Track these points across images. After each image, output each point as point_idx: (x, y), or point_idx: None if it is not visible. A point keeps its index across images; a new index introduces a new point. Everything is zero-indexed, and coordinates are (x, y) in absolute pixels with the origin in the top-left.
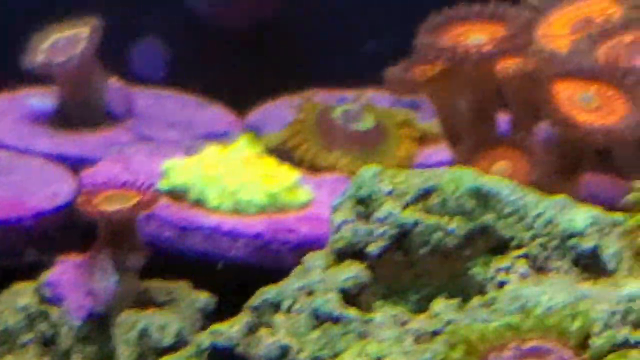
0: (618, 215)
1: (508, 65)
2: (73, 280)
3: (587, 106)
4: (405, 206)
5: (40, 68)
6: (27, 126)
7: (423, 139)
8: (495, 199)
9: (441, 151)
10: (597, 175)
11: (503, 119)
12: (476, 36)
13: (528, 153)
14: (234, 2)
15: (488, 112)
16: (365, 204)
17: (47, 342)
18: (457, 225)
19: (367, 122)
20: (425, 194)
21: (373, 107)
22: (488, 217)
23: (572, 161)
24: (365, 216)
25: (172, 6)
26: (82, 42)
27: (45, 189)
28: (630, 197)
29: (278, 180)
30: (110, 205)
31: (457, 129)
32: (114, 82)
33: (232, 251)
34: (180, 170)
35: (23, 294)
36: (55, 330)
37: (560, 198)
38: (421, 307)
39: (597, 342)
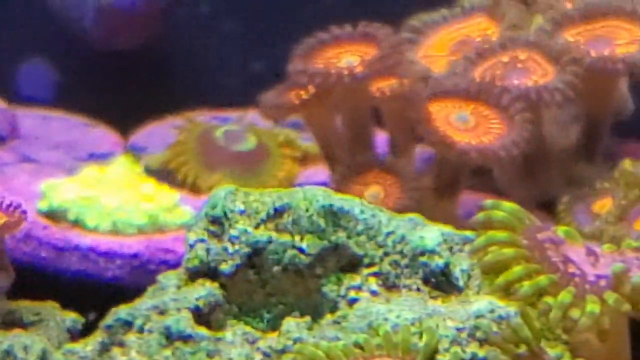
0: (469, 233)
1: (384, 87)
2: None
3: (463, 126)
4: (258, 225)
5: None
6: None
7: (305, 159)
8: (347, 217)
9: (323, 171)
10: (475, 194)
11: (383, 141)
12: (348, 58)
13: (401, 177)
14: (121, 25)
15: (363, 134)
16: (218, 223)
17: None
18: (309, 244)
19: (249, 143)
20: (278, 213)
21: (255, 128)
22: (340, 236)
23: (450, 181)
24: (219, 235)
25: (59, 28)
26: None
27: None
28: (479, 215)
29: (157, 200)
30: None
31: (334, 151)
32: None
33: (109, 271)
34: (59, 190)
35: None
36: None
37: (412, 216)
38: (274, 325)
39: (444, 358)
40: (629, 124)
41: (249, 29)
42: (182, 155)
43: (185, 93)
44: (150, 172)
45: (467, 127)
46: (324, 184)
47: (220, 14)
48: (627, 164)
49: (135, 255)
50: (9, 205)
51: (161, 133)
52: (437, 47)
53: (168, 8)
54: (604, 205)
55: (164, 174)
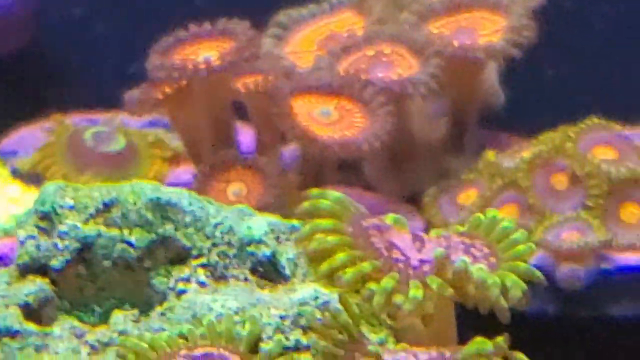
0: (296, 222)
1: (248, 83)
2: None
3: (326, 120)
4: (87, 220)
5: None
6: None
7: (175, 159)
8: (175, 209)
9: (192, 170)
10: (343, 189)
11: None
12: (206, 53)
13: (264, 174)
14: None
15: (225, 131)
16: (48, 219)
17: None
18: (137, 237)
19: (118, 143)
20: (106, 207)
21: (125, 129)
22: (168, 228)
23: (314, 176)
24: (48, 231)
25: None
26: None
27: None
28: (305, 205)
29: (24, 203)
30: None
31: (197, 148)
32: None
33: None
34: None
35: None
36: None
37: (240, 207)
38: (105, 319)
39: (267, 346)
40: (501, 116)
41: (122, 31)
42: (51, 157)
43: (58, 96)
44: (18, 175)
45: (330, 121)
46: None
47: (93, 17)
48: (490, 155)
49: (1, 258)
50: None
51: (31, 136)
52: (305, 43)
53: (40, 12)
54: (468, 196)
55: (32, 177)
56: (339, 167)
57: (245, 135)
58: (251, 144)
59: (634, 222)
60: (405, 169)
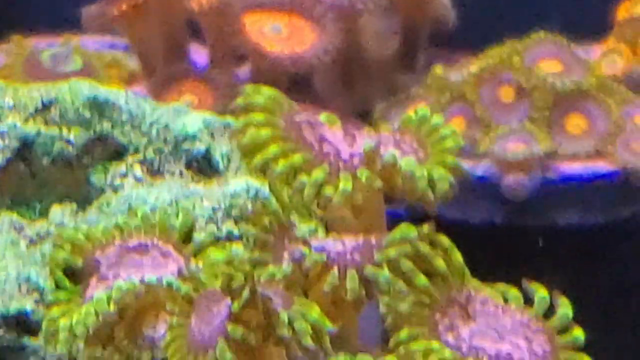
0: (230, 119)
1: (201, 0)
2: None
3: (277, 36)
4: (27, 119)
5: None
6: None
7: (131, 79)
8: (112, 108)
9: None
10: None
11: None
12: None
13: (214, 85)
14: None
15: (178, 45)
16: None
17: None
18: (75, 135)
19: (75, 64)
20: (45, 107)
21: (82, 50)
22: (105, 126)
23: None
24: None
25: None
26: None
27: None
28: (239, 100)
29: None
30: None
31: (151, 62)
32: None
33: None
34: None
35: None
36: None
37: (176, 105)
38: (45, 215)
39: (199, 236)
40: (450, 32)
41: None
42: (8, 77)
43: (17, 18)
44: None
45: (281, 37)
46: None
47: None
48: (438, 69)
49: None
50: None
51: None
52: None
53: None
54: None
55: None
56: (290, 84)
57: (200, 55)
58: (205, 63)
59: (578, 133)
60: (355, 85)
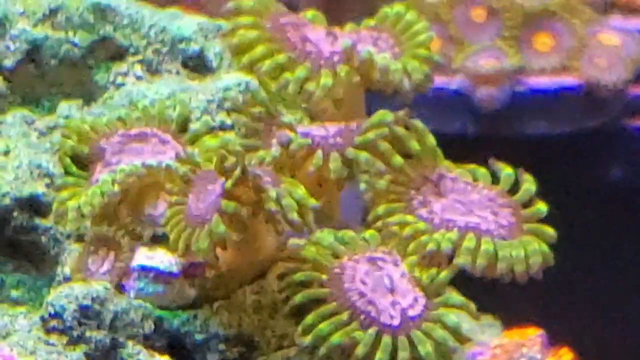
0: (222, 22)
1: None
2: None
3: None
4: (36, 24)
5: None
6: None
7: None
8: (113, 12)
9: None
10: None
11: None
12: None
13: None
14: None
15: None
16: (1, 25)
17: None
18: (80, 38)
19: None
20: (52, 12)
21: None
22: (107, 29)
23: None
24: (1, 34)
25: None
26: None
27: None
28: (230, 4)
29: None
30: None
31: None
32: None
33: None
34: None
35: None
36: None
37: (172, 10)
38: (53, 112)
39: (195, 126)
40: None
41: None
42: None
43: None
44: None
45: None
46: None
47: None
48: None
49: None
50: None
51: None
52: None
53: None
54: None
55: None
56: None
57: None
58: None
59: (546, 50)
60: (338, 8)
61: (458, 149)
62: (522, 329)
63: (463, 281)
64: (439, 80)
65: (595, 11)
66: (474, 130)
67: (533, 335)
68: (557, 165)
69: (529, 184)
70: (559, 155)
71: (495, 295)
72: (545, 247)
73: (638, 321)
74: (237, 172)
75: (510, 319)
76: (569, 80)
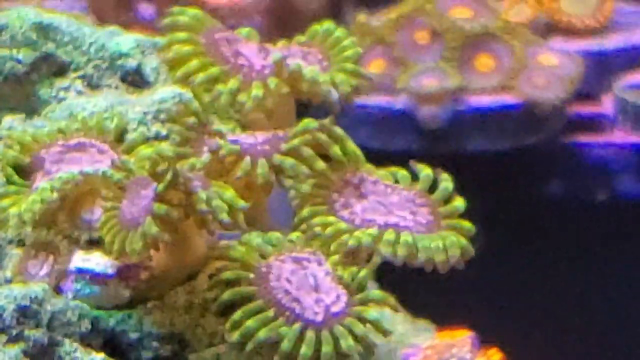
0: (160, 39)
1: None
2: None
3: None
4: None
5: None
6: None
7: None
8: (56, 31)
9: None
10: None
11: None
12: None
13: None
14: None
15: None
16: None
17: None
18: (24, 55)
19: None
20: None
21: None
22: (50, 46)
23: None
24: None
25: None
26: None
27: None
28: (166, 20)
29: None
30: None
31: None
32: None
33: None
34: None
35: None
36: None
37: (111, 28)
38: None
39: (131, 136)
40: None
41: None
42: None
43: None
44: None
45: None
46: None
47: None
48: (361, 17)
49: None
50: None
51: None
52: None
53: None
54: None
55: None
56: None
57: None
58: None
59: (486, 70)
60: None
61: (403, 164)
62: (453, 331)
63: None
64: (385, 100)
65: (536, 34)
66: (418, 147)
67: (463, 337)
68: (498, 180)
69: (446, 183)
70: (499, 171)
71: (429, 300)
72: (463, 240)
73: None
74: (169, 176)
75: (445, 324)
76: (508, 99)
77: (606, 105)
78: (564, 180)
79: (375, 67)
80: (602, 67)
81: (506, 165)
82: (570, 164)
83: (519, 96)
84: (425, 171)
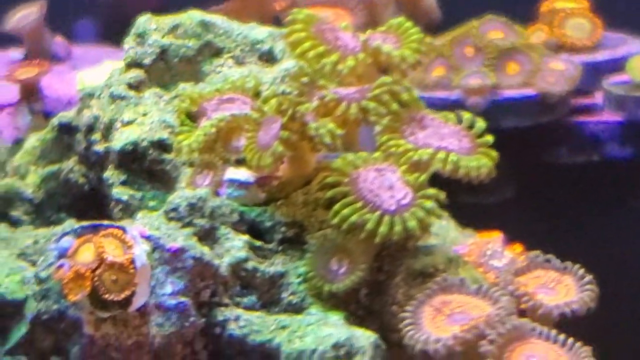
0: (283, 29)
1: None
2: (6, 121)
3: None
4: (164, 35)
5: (12, 31)
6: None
7: None
8: (214, 26)
9: None
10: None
11: None
12: None
13: None
14: None
15: None
16: (141, 37)
17: None
18: (193, 43)
19: None
20: (174, 27)
21: None
22: (210, 37)
23: None
24: (142, 43)
25: None
26: (35, 15)
27: None
28: (288, 18)
29: None
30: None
31: None
32: (58, 39)
33: None
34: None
35: None
36: None
37: (251, 24)
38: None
39: (266, 92)
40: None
41: None
42: None
43: None
44: None
45: None
46: None
47: None
48: (428, 39)
49: None
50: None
51: None
52: None
53: None
54: None
55: None
56: None
57: None
58: None
59: (513, 73)
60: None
61: None
62: (489, 233)
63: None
64: (444, 94)
65: (548, 49)
66: None
67: (496, 236)
68: (522, 148)
69: (480, 123)
70: (523, 141)
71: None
72: (489, 162)
73: None
74: (290, 111)
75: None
76: (529, 91)
77: (597, 97)
78: (568, 148)
79: (437, 72)
80: (594, 72)
81: (528, 138)
82: (573, 137)
83: (536, 90)
84: (466, 115)
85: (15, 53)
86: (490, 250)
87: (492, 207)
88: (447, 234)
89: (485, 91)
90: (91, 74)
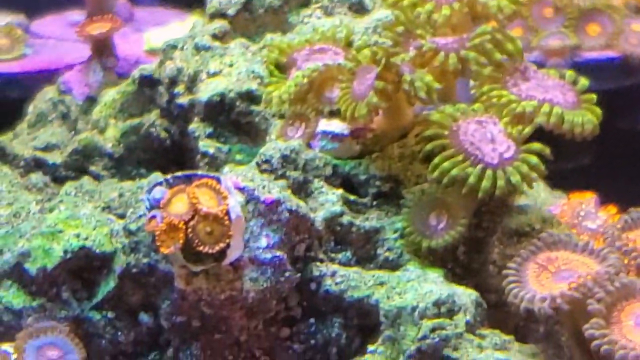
0: None
1: None
2: (77, 78)
3: None
4: None
5: None
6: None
7: None
8: None
9: None
10: None
11: None
12: None
13: None
14: None
15: None
16: None
17: (64, 117)
18: None
19: None
20: None
21: None
22: None
23: None
24: None
25: None
26: None
27: None
28: None
29: None
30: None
31: None
32: (121, 1)
33: None
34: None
35: (49, 91)
36: (68, 109)
37: None
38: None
39: (358, 42)
40: None
41: None
42: None
43: None
44: None
45: None
46: None
47: None
48: None
49: None
50: (111, 19)
51: None
52: None
53: None
54: None
55: None
56: None
57: None
58: None
59: (595, 35)
60: None
61: None
62: (582, 194)
63: None
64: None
65: (629, 11)
66: None
67: (589, 197)
68: (604, 110)
69: (584, 80)
70: (605, 104)
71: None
72: (595, 119)
73: None
74: (384, 61)
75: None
76: (611, 54)
77: None
78: None
79: (515, 33)
80: None
81: (610, 99)
82: None
83: (618, 51)
84: (570, 72)
85: (75, 15)
86: (584, 211)
87: (573, 171)
88: (537, 194)
89: (566, 52)
90: (158, 35)
